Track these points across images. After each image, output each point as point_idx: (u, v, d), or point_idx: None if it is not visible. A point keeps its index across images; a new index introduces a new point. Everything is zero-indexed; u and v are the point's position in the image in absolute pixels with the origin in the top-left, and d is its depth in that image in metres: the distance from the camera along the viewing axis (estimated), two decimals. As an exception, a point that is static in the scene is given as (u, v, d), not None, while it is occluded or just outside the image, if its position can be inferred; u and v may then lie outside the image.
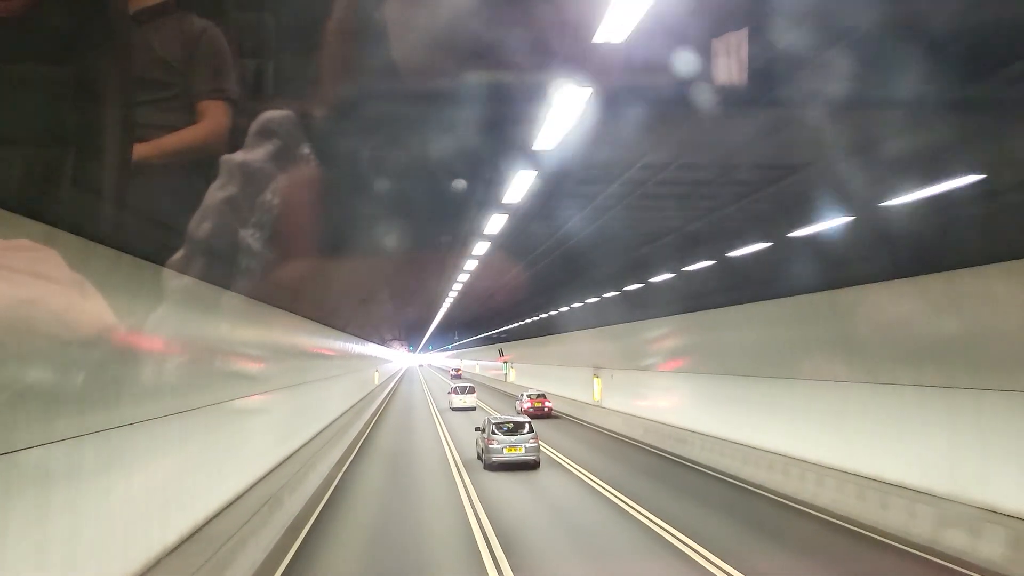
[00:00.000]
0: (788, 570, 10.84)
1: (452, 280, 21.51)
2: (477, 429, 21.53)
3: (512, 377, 56.40)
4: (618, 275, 19.03)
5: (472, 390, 39.65)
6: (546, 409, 33.48)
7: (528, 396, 34.29)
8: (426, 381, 77.25)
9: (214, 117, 4.33)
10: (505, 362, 58.56)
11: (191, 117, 4.22)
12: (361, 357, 37.32)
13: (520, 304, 29.81)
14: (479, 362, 79.29)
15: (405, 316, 39.18)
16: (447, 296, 27.34)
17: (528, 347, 46.72)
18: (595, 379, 32.94)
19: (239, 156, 4.73)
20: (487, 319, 41.75)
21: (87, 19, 3.80)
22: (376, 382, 49.62)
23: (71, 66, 3.92)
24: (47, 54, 3.78)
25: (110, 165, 4.56)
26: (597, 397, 32.88)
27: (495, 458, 18.96)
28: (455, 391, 39.47)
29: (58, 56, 3.85)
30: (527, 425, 19.73)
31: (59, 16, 3.63)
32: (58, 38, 3.73)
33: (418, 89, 5.74)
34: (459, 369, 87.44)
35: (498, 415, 21.85)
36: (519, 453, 19.04)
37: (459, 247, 14.83)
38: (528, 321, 36.52)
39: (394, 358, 78.91)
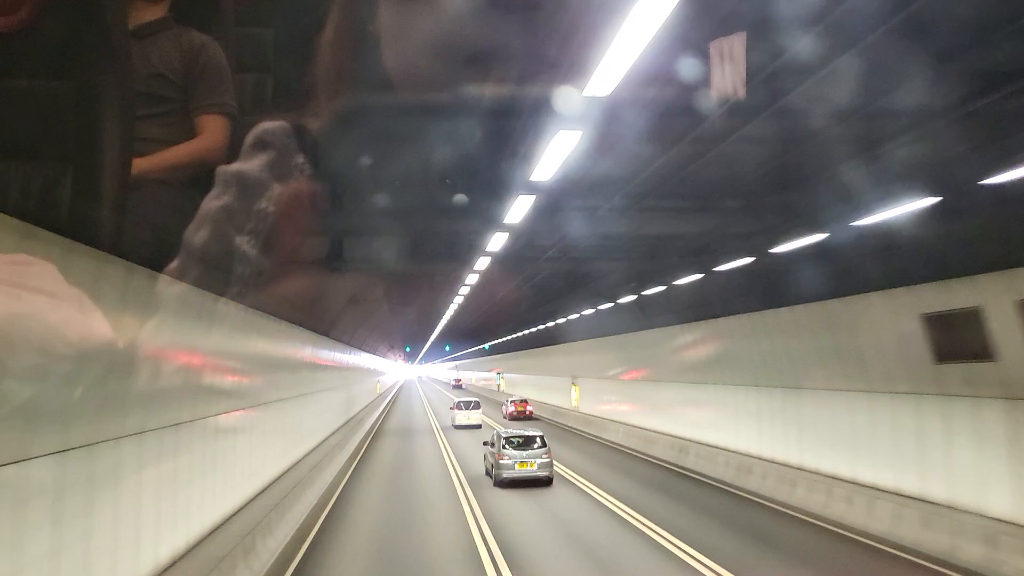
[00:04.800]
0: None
1: (454, 292, 22.37)
2: (486, 443, 21.21)
3: None
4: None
5: (477, 405, 38.31)
6: (527, 412, 40.63)
7: (512, 401, 41.60)
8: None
9: (218, 130, 4.75)
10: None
11: (196, 131, 4.65)
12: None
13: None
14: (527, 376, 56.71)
15: (405, 327, 39.59)
16: (453, 305, 28.14)
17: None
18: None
19: (258, 169, 5.33)
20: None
21: (90, 34, 4.12)
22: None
23: (74, 80, 4.19)
24: (48, 68, 4.05)
25: (124, 180, 4.75)
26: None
27: (505, 474, 18.79)
28: (458, 406, 38.27)
29: (61, 70, 4.12)
30: (539, 439, 19.43)
31: (62, 31, 3.92)
32: (61, 52, 4.01)
33: (422, 116, 6.62)
34: (459, 379, 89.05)
35: (508, 429, 21.18)
36: (531, 469, 18.85)
37: (461, 262, 15.80)
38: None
39: (389, 369, 71.53)
